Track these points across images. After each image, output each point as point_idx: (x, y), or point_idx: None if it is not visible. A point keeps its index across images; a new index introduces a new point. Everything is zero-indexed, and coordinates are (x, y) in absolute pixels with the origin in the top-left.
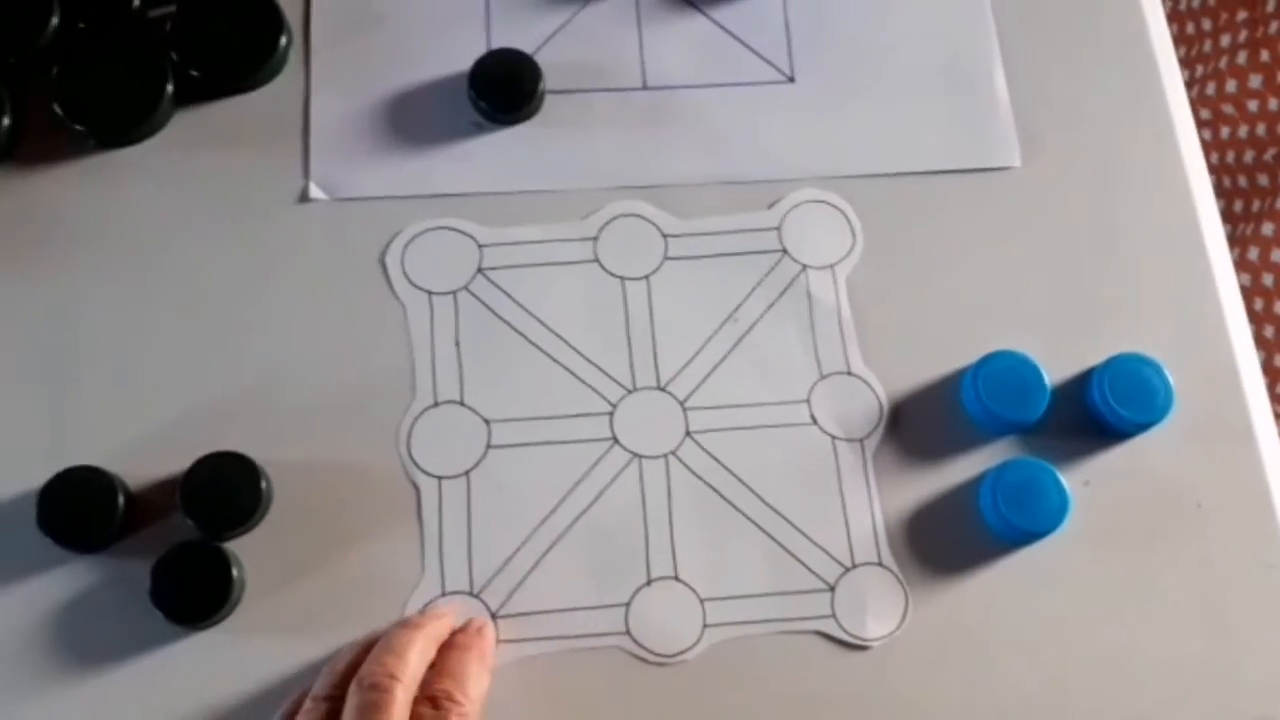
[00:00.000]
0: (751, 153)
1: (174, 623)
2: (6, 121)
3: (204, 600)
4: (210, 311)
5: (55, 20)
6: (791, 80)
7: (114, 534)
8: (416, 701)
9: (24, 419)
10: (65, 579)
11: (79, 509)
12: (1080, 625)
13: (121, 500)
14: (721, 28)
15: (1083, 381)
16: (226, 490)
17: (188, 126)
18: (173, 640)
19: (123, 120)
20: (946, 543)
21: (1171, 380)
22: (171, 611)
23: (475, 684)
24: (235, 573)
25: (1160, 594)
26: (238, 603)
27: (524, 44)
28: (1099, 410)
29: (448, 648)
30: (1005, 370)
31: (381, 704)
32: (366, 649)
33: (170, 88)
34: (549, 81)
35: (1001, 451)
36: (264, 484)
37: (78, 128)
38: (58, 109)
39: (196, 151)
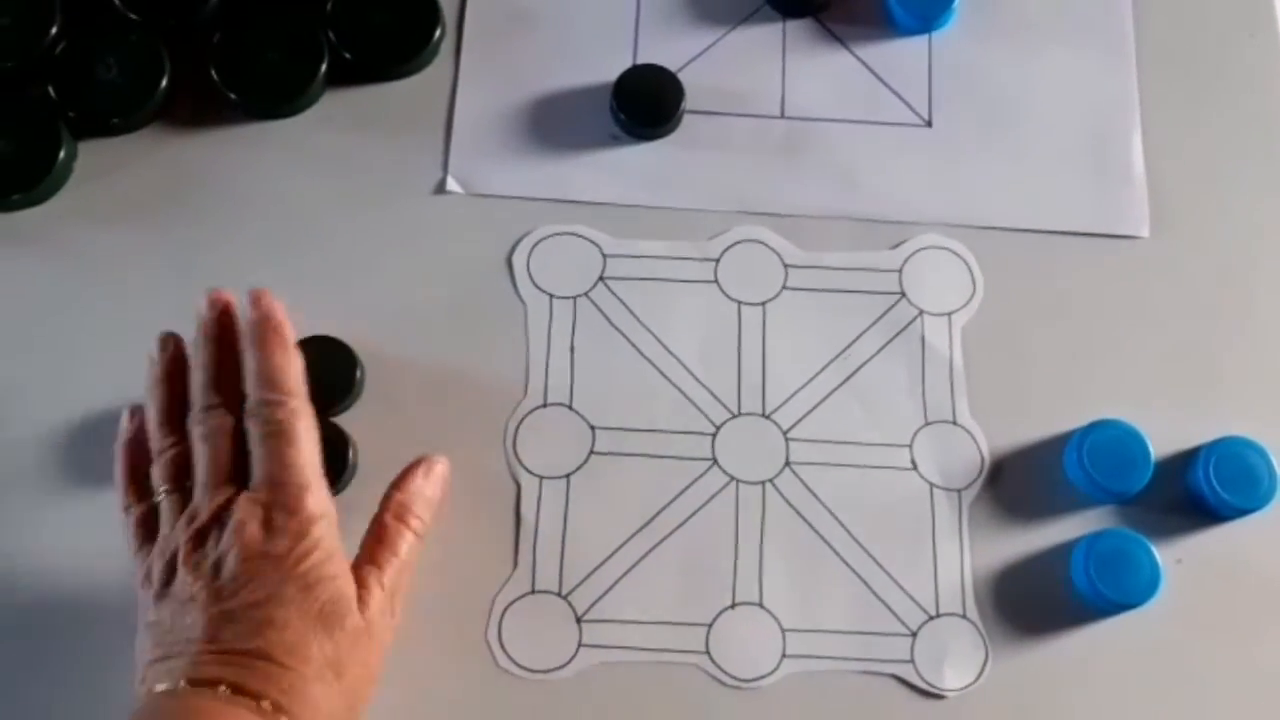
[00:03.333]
0: (881, 192)
1: None
2: (164, 82)
3: None
4: (335, 289)
5: None
6: (929, 125)
7: None
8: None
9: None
10: None
11: None
12: (1159, 703)
13: None
14: (865, 65)
15: (1187, 459)
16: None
17: (335, 107)
18: None
19: (275, 94)
20: (1033, 602)
21: (1278, 469)
22: None
23: (288, 373)
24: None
25: (1245, 683)
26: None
27: (669, 60)
28: (1200, 490)
29: (246, 345)
30: (1111, 440)
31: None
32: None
33: (324, 68)
34: (690, 101)
35: (1097, 519)
36: (351, 453)
37: (231, 96)
38: (214, 75)
39: (341, 132)
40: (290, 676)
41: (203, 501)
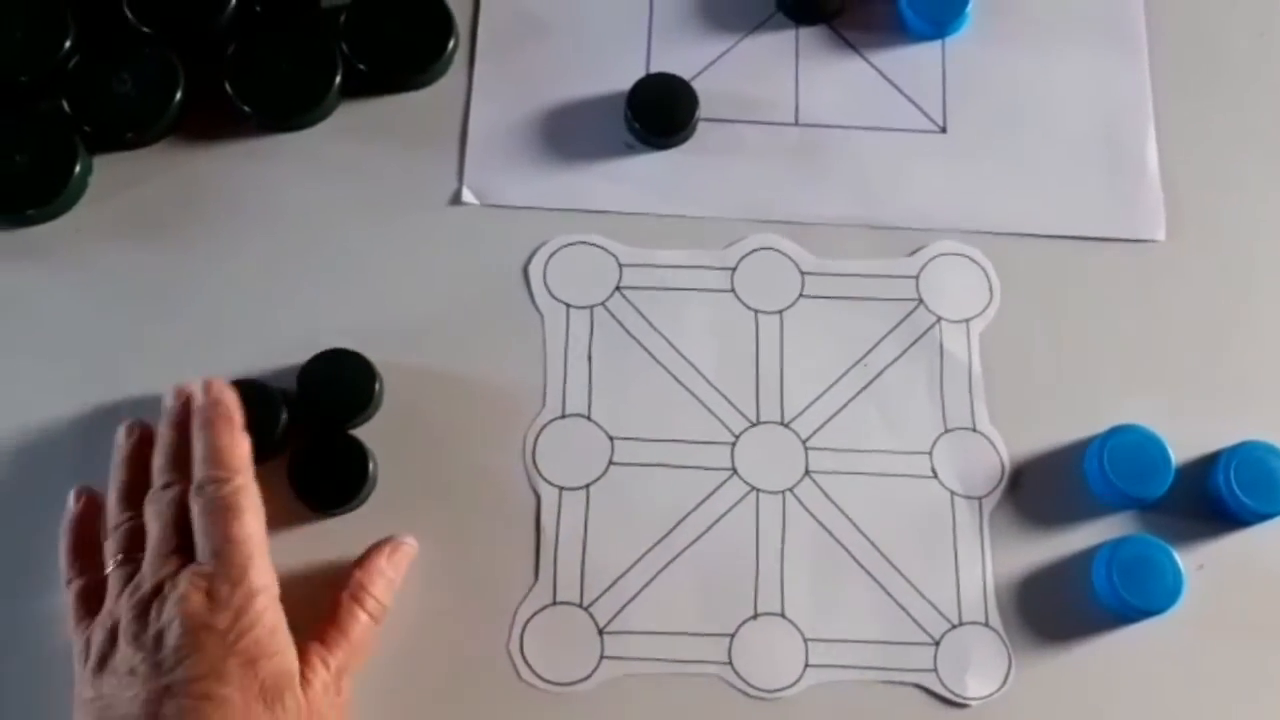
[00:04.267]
0: (896, 199)
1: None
2: (179, 95)
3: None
4: (351, 301)
5: (233, 2)
6: (943, 130)
7: None
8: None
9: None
10: None
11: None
12: (1183, 709)
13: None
14: (879, 71)
15: (1209, 464)
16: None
17: (350, 119)
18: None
19: (289, 106)
20: (1055, 610)
21: None
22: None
23: (234, 453)
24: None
25: (1269, 688)
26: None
27: (682, 69)
28: (1222, 495)
29: (196, 429)
30: (1132, 445)
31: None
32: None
33: (338, 80)
34: (703, 109)
35: (1119, 524)
36: (372, 466)
37: (246, 108)
38: (229, 88)
39: (356, 144)
40: None
41: (148, 572)
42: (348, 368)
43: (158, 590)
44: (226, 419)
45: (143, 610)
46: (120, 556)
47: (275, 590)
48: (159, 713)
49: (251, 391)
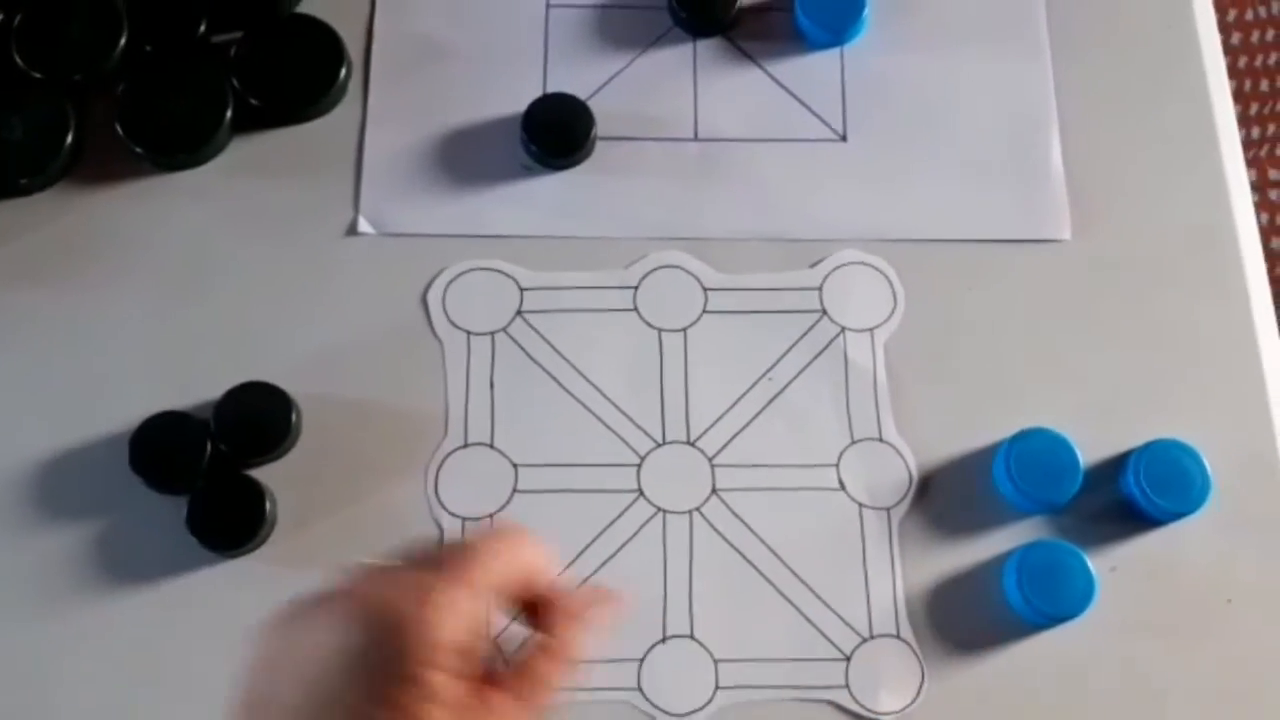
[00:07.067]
0: (798, 210)
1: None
2: (69, 139)
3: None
4: (250, 336)
5: (123, 42)
6: (844, 139)
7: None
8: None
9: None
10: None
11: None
12: (1101, 713)
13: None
14: (777, 82)
15: (1118, 464)
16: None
17: (244, 153)
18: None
19: (182, 144)
20: (967, 619)
21: (1210, 470)
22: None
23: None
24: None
25: (1183, 689)
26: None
27: (579, 88)
28: (1133, 496)
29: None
30: (1039, 449)
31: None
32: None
33: (229, 114)
34: (601, 128)
35: (1029, 530)
36: (269, 505)
37: (137, 149)
38: (119, 129)
39: (251, 178)
40: None
41: None
42: (264, 400)
43: None
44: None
45: None
46: None
47: None
48: None
49: (173, 421)
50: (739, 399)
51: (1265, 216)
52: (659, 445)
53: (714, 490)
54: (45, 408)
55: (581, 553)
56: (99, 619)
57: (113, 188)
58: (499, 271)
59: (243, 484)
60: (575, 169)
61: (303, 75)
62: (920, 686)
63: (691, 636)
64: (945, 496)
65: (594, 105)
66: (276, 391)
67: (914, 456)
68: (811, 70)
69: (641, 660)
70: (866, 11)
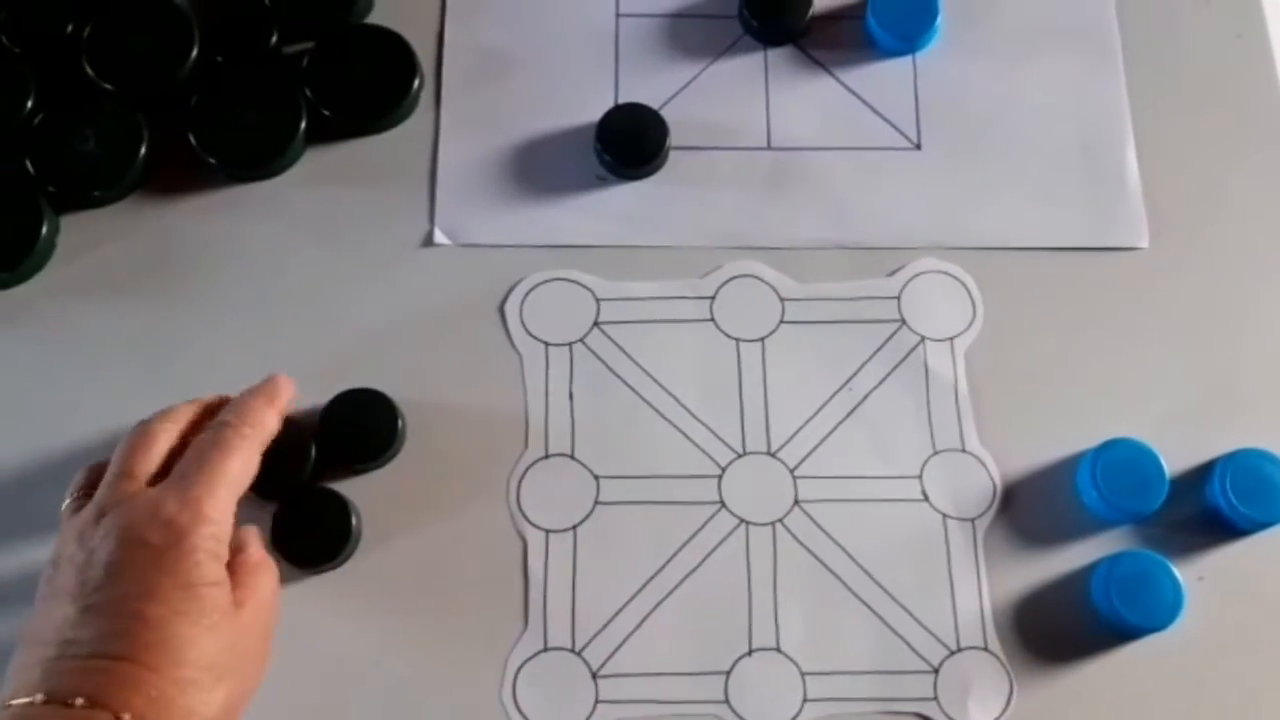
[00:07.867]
0: (874, 219)
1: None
2: (143, 150)
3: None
4: (328, 349)
5: (194, 53)
6: (918, 148)
7: None
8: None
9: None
10: None
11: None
12: None
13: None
14: (850, 91)
15: (1203, 474)
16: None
17: (317, 165)
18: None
19: (255, 156)
20: (1055, 631)
21: None
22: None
23: (256, 410)
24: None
25: (1273, 700)
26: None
27: (651, 98)
28: (1218, 505)
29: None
30: (1124, 459)
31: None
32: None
33: (303, 126)
34: (674, 138)
35: (1115, 540)
36: (354, 519)
37: (211, 160)
38: (193, 141)
39: (325, 190)
40: (160, 683)
41: (101, 491)
42: (368, 407)
43: (112, 504)
44: (268, 393)
45: (89, 527)
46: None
47: (226, 532)
48: (81, 636)
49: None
50: (819, 410)
51: None
52: (739, 456)
53: (796, 501)
54: (118, 424)
55: (665, 565)
56: None
57: (186, 200)
58: (576, 282)
59: (326, 498)
60: (649, 179)
61: (375, 86)
62: (1009, 699)
63: (778, 649)
64: (1029, 507)
65: (665, 115)
66: (382, 398)
67: (997, 467)
68: (884, 78)
69: (728, 673)
70: (939, 19)
